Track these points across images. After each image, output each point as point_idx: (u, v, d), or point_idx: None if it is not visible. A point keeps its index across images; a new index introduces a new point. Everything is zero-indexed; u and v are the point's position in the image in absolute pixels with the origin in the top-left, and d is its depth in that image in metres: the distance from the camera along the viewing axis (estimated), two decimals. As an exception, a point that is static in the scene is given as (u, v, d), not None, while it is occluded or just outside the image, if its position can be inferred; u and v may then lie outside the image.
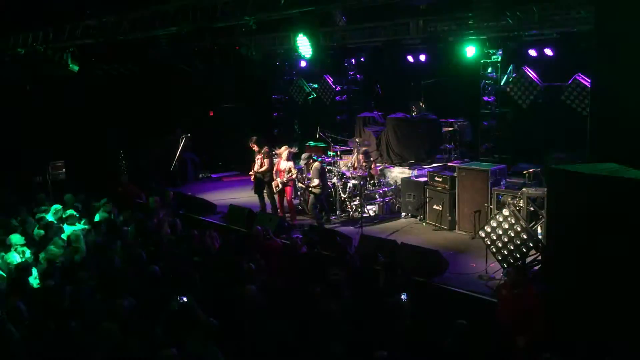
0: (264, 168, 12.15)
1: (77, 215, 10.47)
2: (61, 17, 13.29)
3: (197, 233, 9.63)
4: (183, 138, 15.72)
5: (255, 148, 12.42)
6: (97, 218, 10.71)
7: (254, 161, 12.47)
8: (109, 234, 9.60)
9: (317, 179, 11.38)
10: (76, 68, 13.74)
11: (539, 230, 9.09)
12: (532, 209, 9.35)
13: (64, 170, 14.44)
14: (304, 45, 10.51)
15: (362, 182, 11.98)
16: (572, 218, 5.80)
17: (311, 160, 11.70)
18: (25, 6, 13.20)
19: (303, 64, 16.56)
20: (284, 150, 12.06)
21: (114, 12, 12.32)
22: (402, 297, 6.66)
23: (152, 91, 16.67)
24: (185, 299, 6.07)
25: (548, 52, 11.57)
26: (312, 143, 14.81)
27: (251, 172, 12.45)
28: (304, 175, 12.09)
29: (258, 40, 15.54)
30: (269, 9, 9.54)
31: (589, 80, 10.97)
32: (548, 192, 7.12)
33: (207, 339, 5.50)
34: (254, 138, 12.63)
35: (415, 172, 12.52)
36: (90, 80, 15.65)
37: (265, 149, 12.29)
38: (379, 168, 12.94)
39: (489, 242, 8.64)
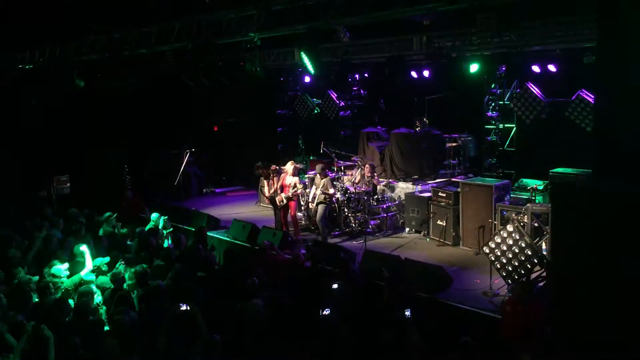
0: (273, 188, 12.15)
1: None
2: (67, 33, 13.44)
3: (202, 247, 9.62)
4: (187, 153, 15.76)
5: (264, 172, 12.42)
6: (100, 232, 10.70)
7: (263, 185, 12.47)
8: (112, 248, 9.59)
9: (332, 188, 11.44)
10: (82, 84, 13.87)
11: (544, 246, 9.05)
12: (536, 224, 9.32)
13: (68, 184, 14.48)
14: (307, 63, 10.55)
15: (365, 197, 11.97)
16: (577, 234, 5.77)
17: (323, 172, 11.72)
18: (31, 23, 13.35)
19: (307, 79, 16.65)
20: (289, 166, 12.10)
21: (120, 28, 12.47)
22: (406, 313, 6.63)
23: (156, 106, 16.76)
24: (187, 307, 6.03)
25: (551, 68, 11.60)
26: (314, 157, 14.84)
27: (266, 195, 12.48)
28: (311, 189, 12.10)
29: (262, 56, 15.68)
30: (273, 25, 9.63)
31: (593, 96, 11.01)
32: (552, 208, 7.10)
33: (208, 354, 5.48)
34: (259, 164, 12.64)
35: (419, 188, 12.51)
36: (95, 95, 15.77)
37: (273, 167, 12.29)
38: (383, 183, 12.94)
39: (493, 258, 8.60)
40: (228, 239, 12.02)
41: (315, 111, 17.01)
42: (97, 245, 9.79)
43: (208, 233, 12.46)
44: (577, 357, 5.76)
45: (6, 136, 15.08)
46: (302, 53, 10.32)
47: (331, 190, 11.49)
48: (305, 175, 13.10)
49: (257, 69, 11.73)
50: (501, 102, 13.23)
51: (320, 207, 11.53)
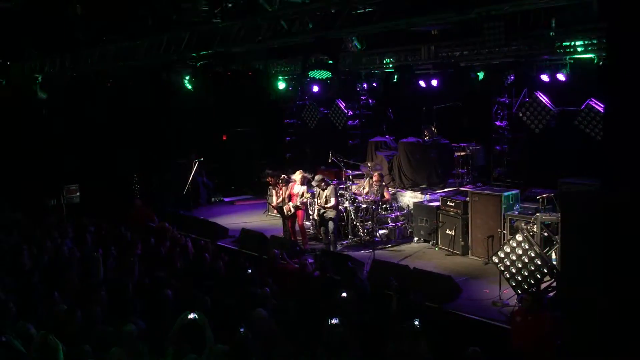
0: (281, 197, 12.17)
1: None
2: (78, 44, 13.59)
3: (209, 257, 9.63)
4: (196, 162, 15.83)
5: (272, 181, 12.45)
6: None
7: (271, 195, 12.53)
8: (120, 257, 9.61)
9: (334, 198, 11.37)
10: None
11: (553, 256, 8.99)
12: (546, 234, 9.26)
13: (78, 193, 14.58)
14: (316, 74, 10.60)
15: (374, 207, 11.95)
16: (587, 244, 5.73)
17: (323, 183, 11.69)
18: (42, 33, 13.51)
19: (315, 88, 16.68)
20: (298, 175, 12.11)
21: (130, 38, 12.59)
22: (415, 322, 6.59)
23: (165, 115, 16.87)
24: (195, 316, 6.00)
25: (560, 77, 11.57)
26: (323, 167, 14.84)
27: (273, 205, 12.52)
28: (316, 199, 12.10)
29: (272, 64, 15.77)
30: (282, 35, 9.68)
31: (602, 105, 10.96)
32: (562, 217, 7.07)
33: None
34: (269, 172, 12.66)
35: (428, 197, 12.47)
36: (105, 104, 15.90)
37: (283, 176, 12.33)
38: (392, 192, 12.91)
39: (502, 268, 8.55)
40: (237, 249, 12.02)
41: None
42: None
43: (218, 242, 12.51)
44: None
45: (16, 146, 15.22)
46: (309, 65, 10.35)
47: (332, 201, 11.36)
48: (313, 182, 13.08)
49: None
50: (510, 112, 13.17)
51: (331, 223, 11.45)
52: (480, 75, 12.19)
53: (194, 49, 11.38)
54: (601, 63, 10.41)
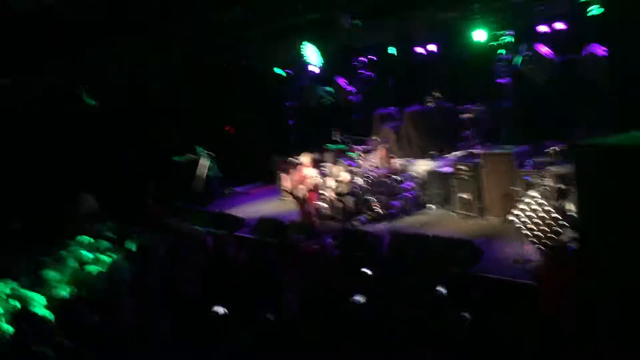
0: (294, 180, 12.20)
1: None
2: (77, 44, 13.54)
3: (229, 248, 9.70)
4: (204, 156, 15.86)
5: (282, 165, 12.50)
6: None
7: (284, 179, 12.57)
8: (145, 260, 9.70)
9: (346, 172, 11.43)
10: (93, 102, 14.02)
11: (571, 207, 8.93)
12: (559, 186, 9.20)
13: (93, 199, 14.63)
14: (311, 54, 10.54)
15: (386, 179, 11.92)
16: (603, 192, 5.69)
17: (333, 160, 11.75)
18: (43, 36, 13.45)
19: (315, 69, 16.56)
20: (306, 157, 12.12)
21: (129, 36, 12.55)
22: (441, 289, 6.61)
23: (167, 113, 16.88)
24: (222, 310, 6.07)
25: (559, 25, 11.37)
26: (330, 146, 14.79)
27: (287, 189, 12.57)
28: (327, 178, 12.13)
29: (266, 50, 15.65)
30: (273, 19, 9.62)
31: (605, 49, 10.78)
32: (576, 169, 7.01)
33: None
34: (277, 158, 12.69)
35: (439, 163, 12.42)
36: (110, 104, 15.89)
37: (292, 159, 12.37)
38: (401, 163, 12.87)
39: (520, 225, 8.53)
40: (255, 238, 12.07)
41: (328, 102, 16.92)
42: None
43: (236, 233, 12.57)
44: (611, 317, 5.68)
45: (29, 154, 15.29)
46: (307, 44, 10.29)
47: (347, 177, 11.42)
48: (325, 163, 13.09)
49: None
50: (512, 68, 13.00)
51: (348, 198, 11.47)
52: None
53: (190, 44, 11.36)
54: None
